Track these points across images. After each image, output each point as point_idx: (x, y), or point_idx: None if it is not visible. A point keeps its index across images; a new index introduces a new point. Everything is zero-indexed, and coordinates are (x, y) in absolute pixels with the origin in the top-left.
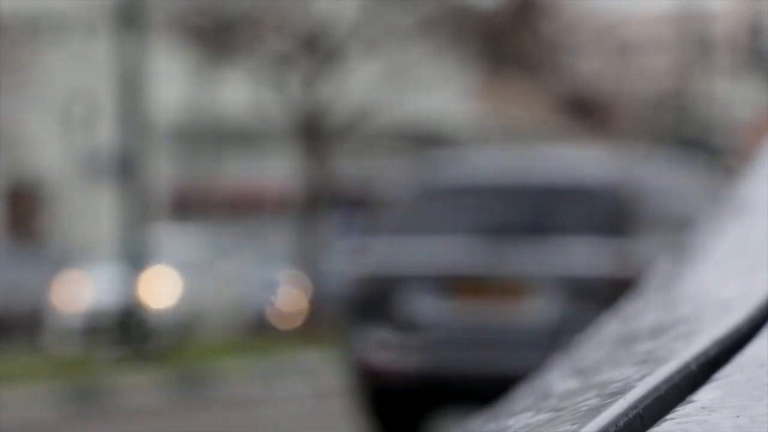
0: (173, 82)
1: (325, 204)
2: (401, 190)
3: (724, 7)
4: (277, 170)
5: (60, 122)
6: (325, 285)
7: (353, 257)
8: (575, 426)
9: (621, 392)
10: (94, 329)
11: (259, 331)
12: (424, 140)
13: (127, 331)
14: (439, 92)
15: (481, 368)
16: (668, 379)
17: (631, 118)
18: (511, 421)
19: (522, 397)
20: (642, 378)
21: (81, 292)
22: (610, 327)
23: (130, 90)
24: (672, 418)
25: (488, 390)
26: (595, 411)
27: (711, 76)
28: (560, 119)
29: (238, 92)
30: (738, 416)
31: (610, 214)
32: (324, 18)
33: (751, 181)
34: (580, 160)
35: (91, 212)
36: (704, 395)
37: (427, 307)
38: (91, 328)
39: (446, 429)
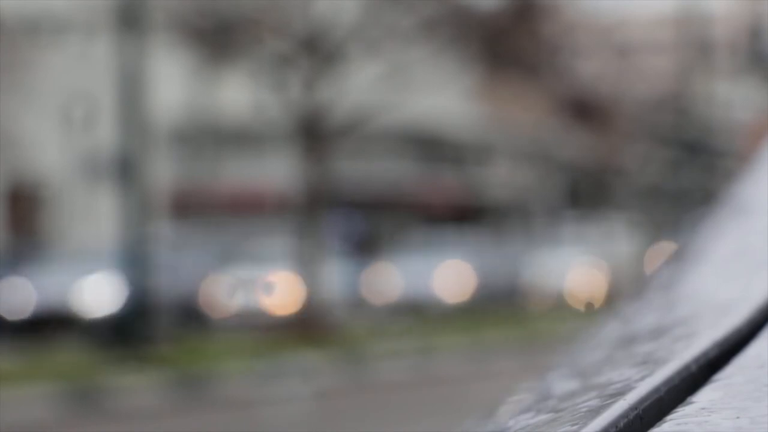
0: (173, 82)
1: (325, 205)
2: None
3: (724, 9)
4: (277, 171)
5: (60, 122)
6: (324, 285)
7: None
8: (575, 427)
9: (621, 393)
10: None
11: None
12: (425, 141)
13: (128, 331)
14: (439, 93)
15: None
16: (668, 381)
17: (630, 119)
18: (511, 422)
19: (522, 397)
20: (642, 379)
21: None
22: (610, 328)
23: (130, 90)
24: (672, 419)
25: None
26: (595, 412)
27: (710, 77)
28: (560, 120)
29: (238, 93)
30: (738, 417)
31: None
32: (324, 19)
33: (751, 182)
34: None
35: (91, 213)
36: (704, 396)
37: None
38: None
39: (446, 429)
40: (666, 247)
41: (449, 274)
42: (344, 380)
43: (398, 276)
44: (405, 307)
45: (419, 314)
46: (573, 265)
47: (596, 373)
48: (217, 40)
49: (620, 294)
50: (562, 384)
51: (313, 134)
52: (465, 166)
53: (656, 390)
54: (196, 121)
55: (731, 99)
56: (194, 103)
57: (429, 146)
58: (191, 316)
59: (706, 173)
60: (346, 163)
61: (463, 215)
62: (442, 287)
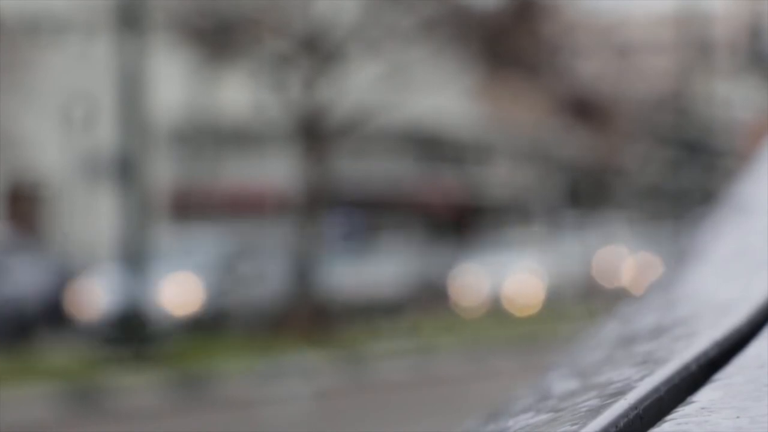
0: (173, 82)
1: (325, 205)
2: None
3: (724, 9)
4: (277, 171)
5: (60, 122)
6: (325, 285)
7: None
8: (575, 426)
9: (621, 393)
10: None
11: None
12: (425, 141)
13: (128, 331)
14: (439, 93)
15: None
16: (668, 380)
17: (630, 119)
18: (511, 422)
19: (522, 397)
20: (642, 379)
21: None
22: (610, 328)
23: (130, 90)
24: (672, 419)
25: None
26: (595, 412)
27: (710, 77)
28: (560, 120)
29: (238, 93)
30: (738, 417)
31: None
32: (324, 19)
33: (751, 181)
34: None
35: (91, 213)
36: (704, 396)
37: None
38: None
39: (446, 429)
40: (616, 252)
41: (175, 286)
42: (344, 380)
43: (107, 286)
44: (115, 321)
45: (133, 329)
46: (513, 271)
47: (596, 372)
48: (217, 40)
49: (562, 300)
50: (562, 384)
51: (313, 134)
52: (465, 166)
53: (656, 390)
54: (196, 121)
55: (731, 99)
56: (194, 103)
57: (429, 146)
58: (55, 319)
59: (706, 173)
60: (346, 163)
61: (463, 215)
62: (168, 299)
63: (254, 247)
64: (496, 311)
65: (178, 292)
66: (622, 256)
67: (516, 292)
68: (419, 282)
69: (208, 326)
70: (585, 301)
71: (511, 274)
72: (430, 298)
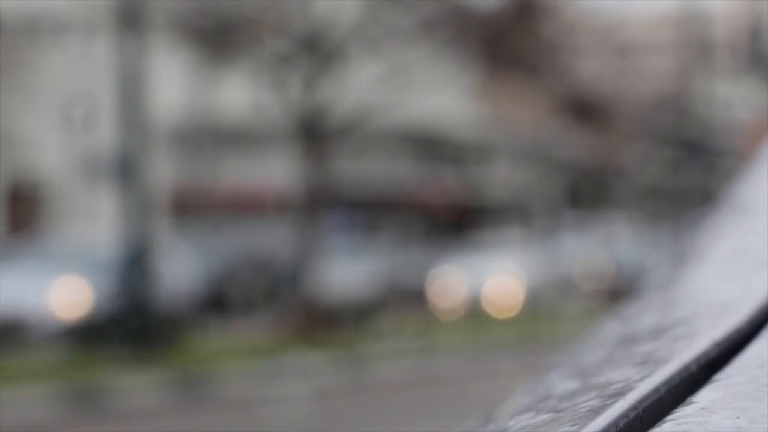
0: (173, 82)
1: (325, 205)
2: None
3: (724, 9)
4: (277, 171)
5: (60, 122)
6: (325, 286)
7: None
8: (575, 427)
9: (621, 393)
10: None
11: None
12: (425, 141)
13: (127, 331)
14: (439, 93)
15: None
16: (668, 381)
17: (630, 119)
18: (511, 422)
19: (522, 397)
20: (642, 379)
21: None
22: (610, 328)
23: (130, 90)
24: (672, 419)
25: None
26: (595, 412)
27: (710, 77)
28: (560, 120)
29: (238, 93)
30: (738, 417)
31: None
32: (324, 19)
33: (751, 182)
34: None
35: (91, 213)
36: (704, 396)
37: None
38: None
39: (446, 429)
40: (599, 254)
41: (64, 289)
42: (344, 380)
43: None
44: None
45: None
46: (492, 273)
47: (596, 373)
48: (217, 40)
49: (543, 301)
50: (562, 384)
51: (313, 134)
52: (465, 166)
53: (656, 390)
54: (196, 121)
55: (731, 99)
56: (194, 103)
57: (429, 146)
58: None
59: (706, 173)
60: (346, 163)
61: (463, 215)
62: (56, 303)
63: (174, 246)
64: (474, 313)
65: (65, 294)
66: (602, 259)
67: (495, 294)
68: (394, 283)
69: (97, 332)
70: (568, 303)
71: (491, 276)
72: (405, 299)
